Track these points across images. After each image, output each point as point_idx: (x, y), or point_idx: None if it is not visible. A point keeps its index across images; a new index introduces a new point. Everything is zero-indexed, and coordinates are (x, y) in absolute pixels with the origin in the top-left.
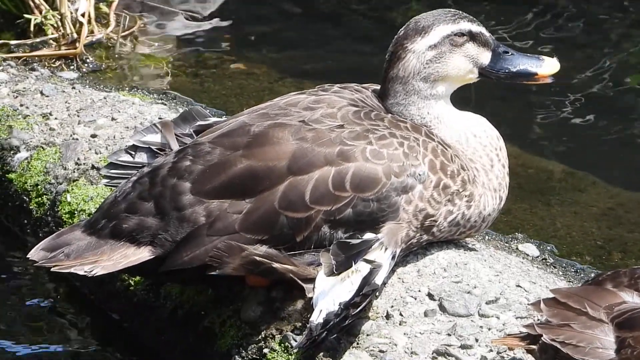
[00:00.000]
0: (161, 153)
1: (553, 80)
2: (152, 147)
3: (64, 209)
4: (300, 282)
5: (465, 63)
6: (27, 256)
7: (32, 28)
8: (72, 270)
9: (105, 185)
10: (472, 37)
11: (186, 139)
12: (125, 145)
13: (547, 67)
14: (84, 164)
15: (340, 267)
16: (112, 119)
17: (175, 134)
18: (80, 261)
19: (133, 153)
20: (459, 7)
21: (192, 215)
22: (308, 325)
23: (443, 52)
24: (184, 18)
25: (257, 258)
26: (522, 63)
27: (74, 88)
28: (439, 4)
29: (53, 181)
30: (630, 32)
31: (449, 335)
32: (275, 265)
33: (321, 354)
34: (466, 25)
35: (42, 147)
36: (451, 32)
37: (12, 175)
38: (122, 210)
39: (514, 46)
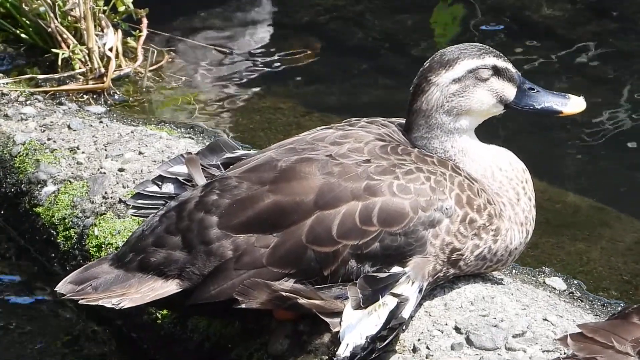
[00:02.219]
0: (188, 184)
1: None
2: (179, 178)
3: (92, 243)
4: (325, 318)
5: (489, 97)
6: (55, 289)
7: (59, 62)
8: (99, 302)
9: (132, 215)
10: (497, 72)
11: (213, 169)
12: (152, 175)
13: (572, 106)
14: (111, 197)
15: (367, 301)
16: (140, 153)
17: (202, 165)
18: (108, 294)
19: (160, 183)
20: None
21: (219, 249)
22: (335, 359)
23: (467, 86)
24: (212, 52)
25: (284, 294)
26: (547, 101)
27: (101, 122)
28: (464, 39)
29: (80, 215)
30: None
31: None
32: (302, 301)
33: None
34: (491, 60)
35: (70, 181)
36: (476, 66)
37: (39, 209)
38: (149, 243)
39: (544, 81)
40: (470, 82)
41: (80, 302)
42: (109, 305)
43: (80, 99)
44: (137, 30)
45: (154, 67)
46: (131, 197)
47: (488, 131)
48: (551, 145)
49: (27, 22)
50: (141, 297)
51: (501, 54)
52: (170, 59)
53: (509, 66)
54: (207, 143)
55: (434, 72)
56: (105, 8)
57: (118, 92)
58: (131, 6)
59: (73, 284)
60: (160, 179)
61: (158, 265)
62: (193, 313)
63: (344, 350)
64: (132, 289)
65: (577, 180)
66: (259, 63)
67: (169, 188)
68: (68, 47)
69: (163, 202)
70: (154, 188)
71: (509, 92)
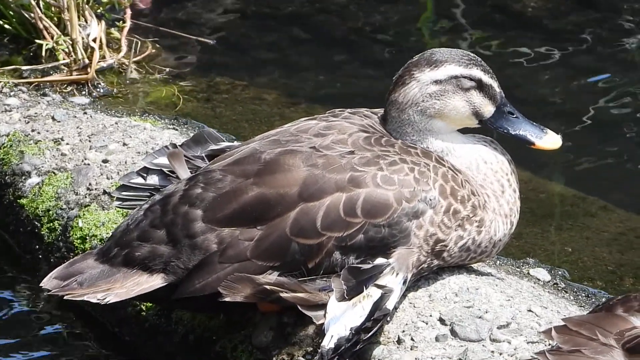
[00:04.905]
0: (172, 175)
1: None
2: (164, 169)
3: (76, 235)
4: (308, 312)
5: (464, 108)
6: (40, 285)
7: (43, 53)
8: (84, 298)
9: (117, 207)
10: (481, 86)
11: (197, 161)
12: (137, 167)
13: (547, 141)
14: (95, 189)
15: (352, 292)
16: (124, 144)
17: (186, 157)
18: (93, 289)
19: (145, 175)
20: (471, 35)
21: (203, 243)
22: (319, 350)
23: (446, 91)
24: (195, 43)
25: (268, 287)
26: (523, 129)
27: (85, 113)
28: (448, 29)
29: (65, 206)
30: None
31: None
32: (285, 294)
33: None
34: (478, 72)
35: (54, 173)
36: (460, 74)
37: (23, 201)
38: (134, 238)
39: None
40: (451, 87)
41: (65, 297)
42: (94, 301)
43: (64, 90)
44: (121, 21)
45: (138, 58)
46: (116, 189)
47: None
48: None
49: (11, 12)
50: (126, 291)
51: (490, 70)
52: (154, 50)
53: (494, 84)
54: (191, 134)
55: (418, 68)
56: None
57: (102, 83)
58: None
59: (58, 279)
60: (145, 171)
61: (143, 260)
62: (178, 307)
63: (328, 342)
64: (117, 283)
65: (562, 170)
66: (243, 54)
67: (153, 180)
68: (52, 38)
69: (148, 194)
70: (139, 180)
71: (487, 109)
